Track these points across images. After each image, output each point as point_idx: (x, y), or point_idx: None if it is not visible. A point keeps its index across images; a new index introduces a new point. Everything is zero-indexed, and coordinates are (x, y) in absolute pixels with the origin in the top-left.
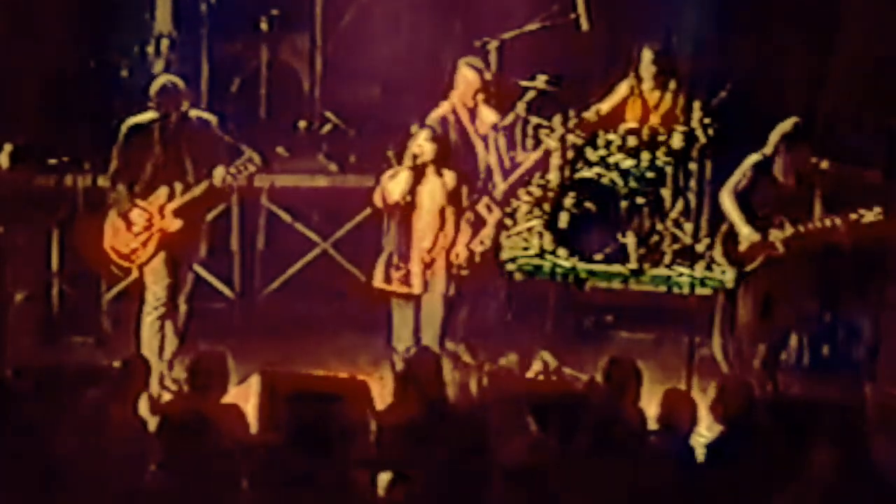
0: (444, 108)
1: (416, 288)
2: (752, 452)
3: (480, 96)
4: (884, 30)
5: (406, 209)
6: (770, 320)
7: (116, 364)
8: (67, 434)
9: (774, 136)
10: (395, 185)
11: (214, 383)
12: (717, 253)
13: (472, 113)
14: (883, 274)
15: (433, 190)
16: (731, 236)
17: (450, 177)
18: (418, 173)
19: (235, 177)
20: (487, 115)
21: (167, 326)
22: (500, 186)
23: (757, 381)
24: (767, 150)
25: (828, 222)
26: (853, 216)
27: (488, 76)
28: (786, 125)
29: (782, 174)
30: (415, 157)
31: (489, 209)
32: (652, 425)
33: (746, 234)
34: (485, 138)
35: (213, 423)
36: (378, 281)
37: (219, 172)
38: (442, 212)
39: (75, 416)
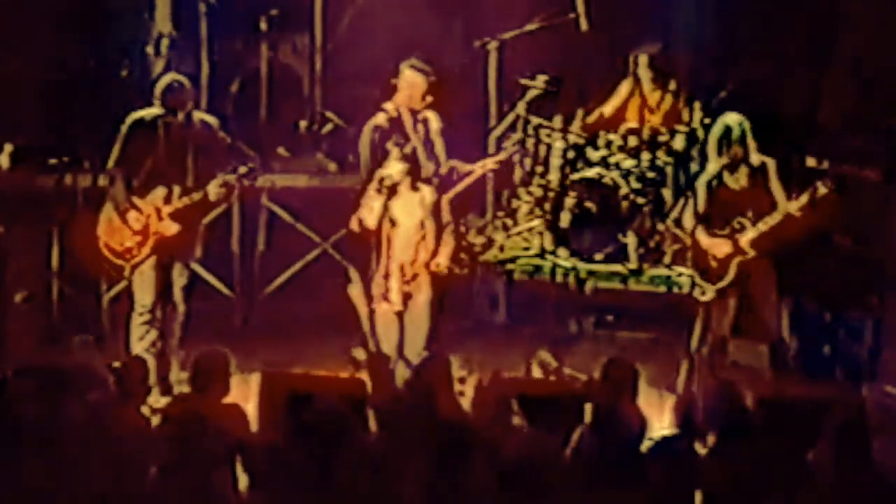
0: (384, 115)
1: (396, 304)
2: (752, 453)
3: (429, 99)
4: (884, 30)
5: (382, 229)
6: (756, 328)
7: (116, 364)
8: (68, 434)
9: (713, 144)
10: (368, 212)
11: (216, 383)
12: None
13: (416, 118)
14: (883, 275)
15: (407, 205)
16: (701, 251)
17: (428, 191)
18: (390, 194)
19: (231, 188)
20: (434, 122)
21: (153, 331)
22: (445, 197)
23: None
24: (712, 161)
25: (783, 210)
26: (805, 198)
27: (433, 79)
28: (720, 129)
29: (733, 179)
30: (382, 180)
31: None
32: (672, 431)
33: (721, 247)
34: (428, 144)
35: (214, 423)
36: (359, 304)
37: (213, 187)
38: (422, 225)
39: (77, 417)
